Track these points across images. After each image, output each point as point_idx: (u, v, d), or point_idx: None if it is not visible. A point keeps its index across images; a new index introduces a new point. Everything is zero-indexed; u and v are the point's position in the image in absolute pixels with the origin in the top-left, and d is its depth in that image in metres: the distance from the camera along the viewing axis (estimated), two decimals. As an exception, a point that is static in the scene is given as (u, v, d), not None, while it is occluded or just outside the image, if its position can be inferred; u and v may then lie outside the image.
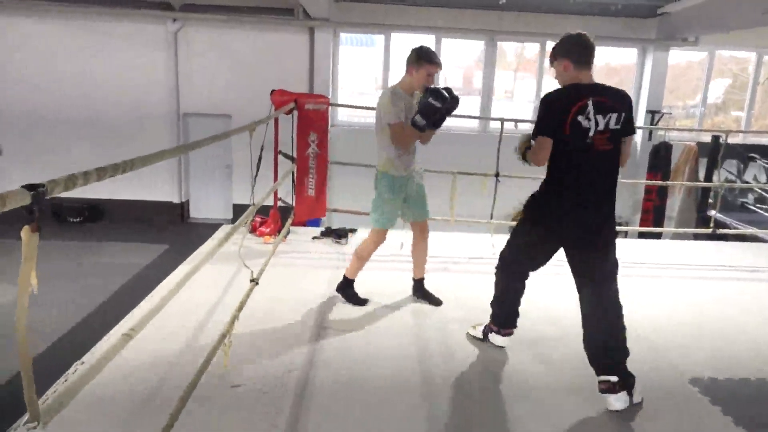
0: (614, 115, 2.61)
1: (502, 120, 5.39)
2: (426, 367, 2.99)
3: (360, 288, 3.87)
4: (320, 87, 10.24)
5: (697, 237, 7.31)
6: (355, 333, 3.35)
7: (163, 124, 10.61)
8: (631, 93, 11.11)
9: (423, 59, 3.35)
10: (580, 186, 2.67)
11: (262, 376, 2.78)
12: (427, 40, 10.86)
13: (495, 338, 3.19)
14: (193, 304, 3.56)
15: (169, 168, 10.81)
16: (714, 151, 9.94)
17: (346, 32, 10.91)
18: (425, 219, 3.80)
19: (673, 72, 11.26)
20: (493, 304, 3.16)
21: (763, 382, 2.95)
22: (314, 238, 5.27)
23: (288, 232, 5.16)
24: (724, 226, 8.75)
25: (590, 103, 2.57)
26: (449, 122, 11.67)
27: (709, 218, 9.84)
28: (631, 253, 5.33)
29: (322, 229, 5.45)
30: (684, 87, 12.26)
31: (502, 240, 5.43)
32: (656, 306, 3.97)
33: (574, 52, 2.68)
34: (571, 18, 10.45)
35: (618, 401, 2.60)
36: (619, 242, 4.20)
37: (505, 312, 3.13)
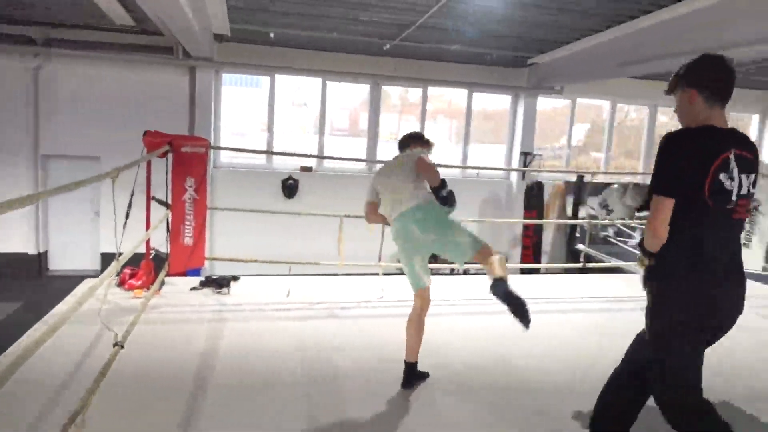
0: (753, 175, 2.06)
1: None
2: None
3: (240, 344, 3.59)
4: (201, 128, 9.83)
5: (567, 270, 7.81)
6: (242, 395, 3.06)
7: (20, 167, 9.56)
8: (506, 136, 12.00)
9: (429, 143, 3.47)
10: (723, 258, 2.10)
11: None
12: (313, 83, 10.91)
13: None
14: (45, 374, 3.08)
15: (24, 215, 9.69)
16: (579, 190, 10.81)
17: (229, 72, 10.64)
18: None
19: (541, 117, 12.22)
20: None
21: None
22: (192, 289, 4.90)
23: (162, 284, 4.76)
24: (591, 258, 9.45)
25: (732, 157, 1.99)
26: (335, 164, 11.63)
27: (578, 251, 10.62)
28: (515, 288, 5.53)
29: (202, 278, 5.09)
30: (551, 131, 13.34)
31: (391, 282, 5.48)
32: (536, 338, 4.08)
33: (709, 81, 2.06)
34: (449, 65, 11.03)
35: None
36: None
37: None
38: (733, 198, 2.01)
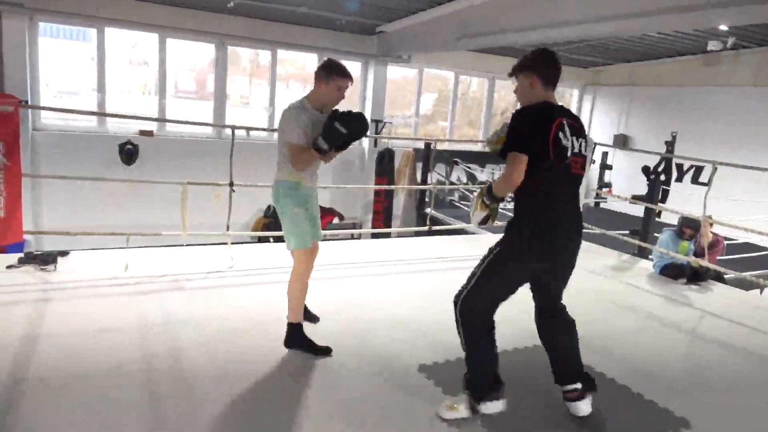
0: (582, 141, 2.54)
1: (234, 127, 5.20)
2: (181, 406, 2.64)
3: (68, 327, 3.25)
4: (14, 85, 8.54)
5: (417, 233, 8.22)
6: (69, 383, 2.78)
7: None
8: (356, 104, 12.12)
9: (334, 72, 3.08)
10: (565, 210, 2.54)
11: None
12: (150, 39, 10.00)
13: (491, 406, 2.64)
14: None
15: None
16: (427, 157, 11.34)
17: (47, 22, 9.32)
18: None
19: (391, 86, 12.51)
20: (473, 372, 2.67)
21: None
22: (9, 267, 4.32)
23: (-31, 264, 4.13)
24: (438, 221, 10.02)
25: (565, 122, 2.48)
26: (180, 128, 10.95)
27: (426, 215, 11.20)
28: (366, 252, 5.69)
29: (21, 255, 4.50)
30: (401, 99, 13.75)
31: (241, 251, 5.32)
32: (388, 301, 4.25)
33: (545, 69, 2.55)
34: (299, 28, 10.78)
35: (586, 406, 2.69)
36: (354, 243, 4.39)
37: (491, 373, 2.67)
38: (569, 154, 2.47)
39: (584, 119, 15.37)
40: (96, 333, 3.31)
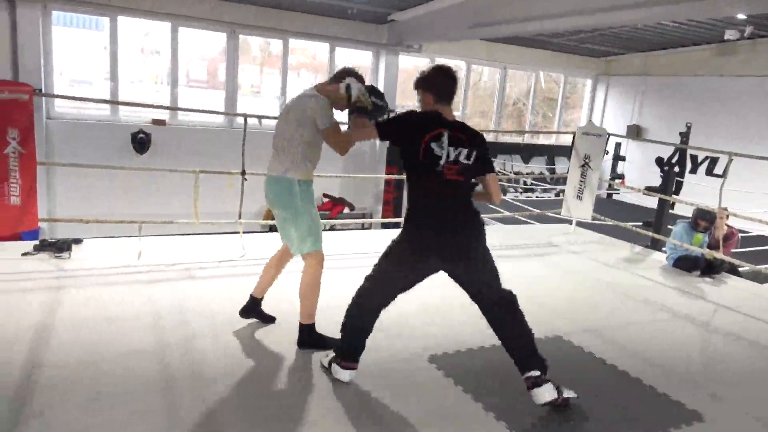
0: (465, 150, 2.71)
1: (246, 115, 5.20)
2: (196, 391, 2.67)
3: (82, 314, 3.30)
4: (28, 73, 8.60)
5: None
6: (84, 367, 2.81)
7: None
8: (368, 93, 12.06)
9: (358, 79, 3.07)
10: (436, 210, 2.72)
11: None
12: (161, 27, 10.01)
13: (339, 373, 2.86)
14: None
15: None
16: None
17: (60, 11, 9.36)
18: None
19: (402, 75, 12.43)
20: (342, 336, 2.90)
21: (482, 351, 3.37)
22: (25, 254, 4.37)
23: (-14, 250, 4.19)
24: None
25: (446, 134, 2.68)
26: (191, 117, 10.99)
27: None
28: (376, 242, 5.68)
29: (36, 242, 4.55)
30: (412, 89, 13.66)
31: (253, 239, 5.34)
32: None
33: (438, 87, 2.77)
34: (311, 17, 10.73)
35: (547, 392, 2.69)
36: (365, 233, 4.39)
37: (354, 346, 2.89)
38: (442, 162, 2.66)
39: (597, 109, 15.22)
40: (109, 320, 3.34)
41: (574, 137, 6.58)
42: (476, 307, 2.85)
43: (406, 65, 12.67)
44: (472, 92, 13.88)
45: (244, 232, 5.18)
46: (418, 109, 2.85)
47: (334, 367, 2.87)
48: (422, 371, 3.06)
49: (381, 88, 11.88)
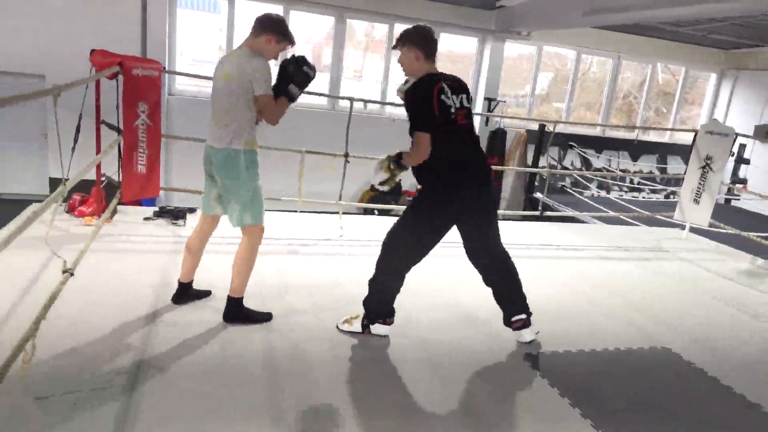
0: (463, 95, 2.93)
1: (352, 99, 5.29)
2: (295, 365, 2.80)
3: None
4: (155, 52, 9.27)
5: (525, 218, 7.97)
6: (193, 328, 3.02)
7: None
8: (470, 80, 11.85)
9: (287, 34, 3.00)
10: (463, 158, 2.90)
11: (75, 384, 2.37)
12: (275, 10, 10.37)
13: (379, 329, 3.10)
14: (-13, 300, 2.96)
15: (-37, 135, 9.11)
16: (541, 139, 10.90)
17: (185, -7, 9.99)
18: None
19: (506, 63, 12.09)
20: (373, 299, 3.09)
21: (586, 355, 3.24)
22: (146, 219, 4.75)
23: (114, 213, 4.59)
24: (547, 207, 9.66)
25: (445, 85, 2.85)
26: (299, 99, 11.26)
27: (536, 200, 10.84)
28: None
29: (156, 209, 4.92)
30: (515, 78, 13.27)
31: (350, 221, 5.46)
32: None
33: (427, 44, 2.92)
34: (418, 1, 10.68)
35: (530, 333, 3.16)
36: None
37: (389, 304, 3.11)
38: (452, 110, 2.84)
39: (720, 108, 13.99)
40: (217, 286, 3.55)
41: (695, 136, 6.09)
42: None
43: (510, 53, 12.29)
44: (579, 83, 13.22)
45: (342, 213, 5.30)
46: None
47: (376, 326, 3.10)
48: (517, 371, 3.00)
49: (484, 75, 11.65)
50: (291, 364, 2.77)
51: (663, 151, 13.75)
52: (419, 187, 2.97)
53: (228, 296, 3.10)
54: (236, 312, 3.10)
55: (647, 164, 13.59)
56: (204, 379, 2.54)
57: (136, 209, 5.02)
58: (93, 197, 4.57)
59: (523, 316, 3.15)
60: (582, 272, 4.75)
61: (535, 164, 11.58)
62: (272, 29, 2.95)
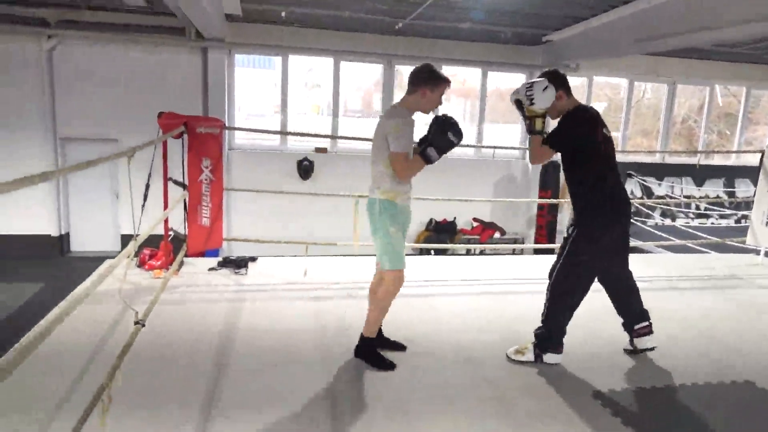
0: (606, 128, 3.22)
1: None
2: (348, 406, 2.82)
3: (258, 324, 3.62)
4: (215, 109, 9.84)
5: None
6: (261, 372, 3.09)
7: (38, 150, 9.66)
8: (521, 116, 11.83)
9: (439, 78, 3.07)
10: (622, 191, 3.27)
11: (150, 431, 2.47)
12: (326, 63, 10.84)
13: (552, 357, 3.28)
14: (68, 351, 3.14)
15: (45, 197, 9.85)
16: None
17: (241, 53, 10.60)
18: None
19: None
20: (549, 329, 3.28)
21: (656, 392, 3.08)
22: (211, 269, 4.94)
23: (181, 265, 4.81)
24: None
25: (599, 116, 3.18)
26: (349, 145, 11.52)
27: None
28: (527, 268, 5.50)
29: (220, 259, 5.13)
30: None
31: (407, 262, 5.46)
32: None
33: (566, 83, 3.21)
34: (463, 44, 10.89)
35: (651, 340, 3.40)
36: (516, 258, 4.30)
37: (561, 336, 3.29)
38: (608, 139, 3.17)
39: None
40: (282, 331, 3.64)
41: (762, 156, 5.82)
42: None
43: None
44: (633, 110, 12.94)
45: (399, 255, 5.33)
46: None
47: (548, 355, 3.26)
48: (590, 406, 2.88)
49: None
50: (353, 404, 2.78)
51: (729, 174, 13.14)
52: (570, 225, 3.26)
53: (360, 334, 3.26)
54: (365, 350, 3.24)
55: (713, 189, 12.99)
56: (270, 415, 2.59)
57: (202, 261, 5.23)
58: (161, 251, 4.82)
59: (646, 323, 3.41)
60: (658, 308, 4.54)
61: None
62: (423, 82, 3.06)
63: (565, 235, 3.25)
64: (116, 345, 2.92)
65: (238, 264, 4.98)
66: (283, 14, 9.27)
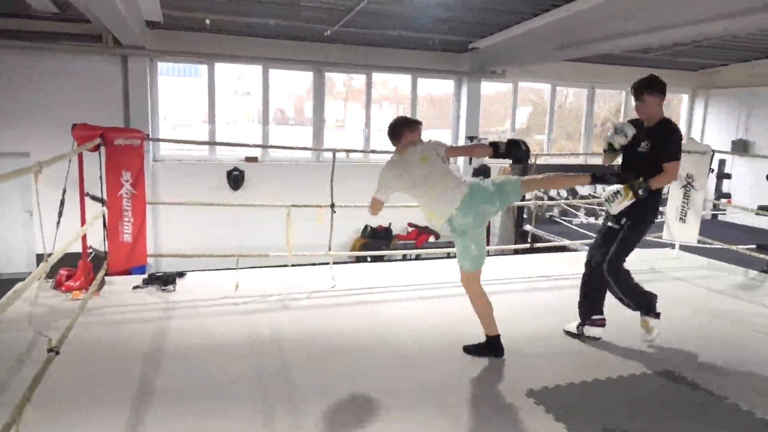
0: None
1: (334, 150, 5.36)
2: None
3: (188, 342, 3.46)
4: (138, 120, 9.41)
5: (516, 251, 7.97)
6: (191, 398, 2.94)
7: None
8: (451, 121, 12.08)
9: (414, 122, 3.68)
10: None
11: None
12: (253, 70, 10.63)
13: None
14: (-28, 387, 2.87)
15: (-51, 217, 9.09)
16: (524, 172, 10.97)
17: (164, 61, 10.21)
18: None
19: (485, 101, 12.35)
20: (637, 301, 3.72)
21: (588, 386, 3.18)
22: (135, 287, 4.69)
23: (102, 284, 4.54)
24: (538, 238, 9.69)
25: None
26: (281, 154, 11.36)
27: (526, 233, 10.88)
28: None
29: (145, 276, 4.88)
30: (495, 114, 13.53)
31: (342, 270, 5.43)
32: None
33: (664, 91, 3.54)
34: (394, 51, 10.98)
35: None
36: (451, 262, 4.35)
37: (647, 295, 3.74)
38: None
39: (696, 126, 14.30)
40: (212, 348, 3.49)
41: (674, 156, 6.18)
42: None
43: (487, 91, 12.58)
44: (556, 114, 13.49)
45: (333, 263, 5.27)
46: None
47: (653, 321, 3.71)
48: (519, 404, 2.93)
49: (464, 114, 11.88)
50: (290, 416, 2.69)
51: (647, 173, 13.92)
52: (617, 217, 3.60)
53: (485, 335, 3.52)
54: (494, 345, 3.49)
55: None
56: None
57: (126, 279, 4.95)
58: (80, 271, 4.53)
59: (602, 315, 3.78)
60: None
61: (522, 198, 11.65)
62: (406, 129, 3.57)
63: (611, 225, 3.63)
64: (26, 377, 2.69)
65: (165, 280, 4.76)
66: (207, 21, 9.02)
